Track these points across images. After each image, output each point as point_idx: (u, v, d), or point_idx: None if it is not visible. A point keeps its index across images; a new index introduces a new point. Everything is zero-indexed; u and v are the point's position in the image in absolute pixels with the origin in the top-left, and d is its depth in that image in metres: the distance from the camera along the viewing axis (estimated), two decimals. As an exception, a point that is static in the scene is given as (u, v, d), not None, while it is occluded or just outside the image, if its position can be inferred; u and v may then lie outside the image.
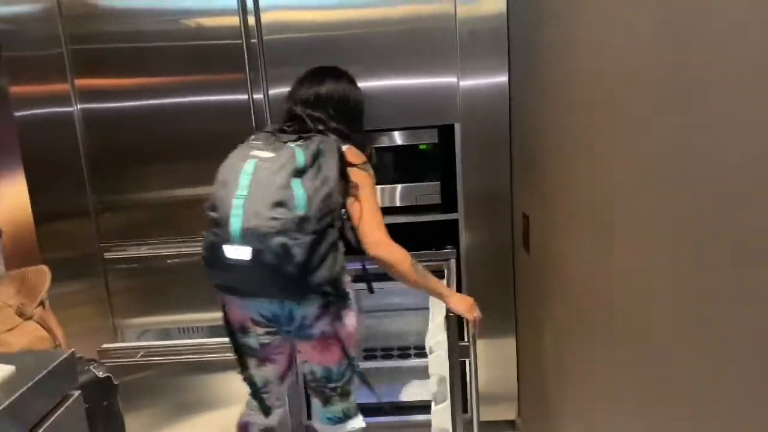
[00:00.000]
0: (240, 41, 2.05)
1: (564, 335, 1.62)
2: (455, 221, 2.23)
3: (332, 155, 1.56)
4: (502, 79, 2.10)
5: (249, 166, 1.48)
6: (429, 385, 1.91)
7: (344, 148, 1.64)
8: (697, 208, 0.86)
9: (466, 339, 1.75)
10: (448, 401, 1.74)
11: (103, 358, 2.07)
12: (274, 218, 1.42)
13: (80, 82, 2.10)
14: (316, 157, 1.52)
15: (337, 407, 1.77)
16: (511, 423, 2.39)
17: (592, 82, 1.28)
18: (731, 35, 0.75)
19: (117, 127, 2.11)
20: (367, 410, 2.40)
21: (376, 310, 2.62)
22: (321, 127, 1.66)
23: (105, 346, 2.15)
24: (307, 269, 1.45)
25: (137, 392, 2.15)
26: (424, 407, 2.37)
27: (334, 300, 1.58)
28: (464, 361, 2.25)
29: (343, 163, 1.59)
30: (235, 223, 1.43)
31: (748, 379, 0.76)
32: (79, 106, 2.11)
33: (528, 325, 2.09)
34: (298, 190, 1.45)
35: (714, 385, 0.85)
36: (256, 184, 1.45)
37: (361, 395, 2.44)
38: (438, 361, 1.73)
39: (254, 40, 2.07)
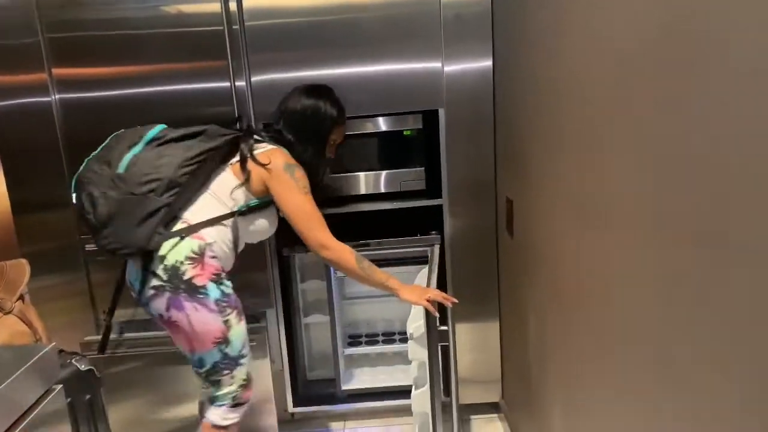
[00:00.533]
0: (222, 27, 2.02)
1: (546, 318, 1.63)
2: (439, 207, 2.24)
3: (205, 141, 1.68)
4: (487, 64, 2.09)
5: None
6: (410, 370, 1.91)
7: (267, 148, 1.74)
8: (676, 192, 0.87)
9: (446, 324, 1.76)
10: (428, 385, 1.76)
11: (86, 350, 2.06)
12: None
13: (58, 71, 2.06)
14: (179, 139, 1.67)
15: (208, 390, 1.74)
16: (495, 405, 2.42)
17: (577, 68, 1.28)
18: (719, 22, 0.75)
19: (96, 117, 2.07)
20: (352, 395, 2.43)
21: (362, 296, 2.62)
22: (263, 132, 1.85)
23: (87, 338, 2.14)
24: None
25: (121, 384, 2.14)
26: (408, 392, 2.40)
27: (168, 286, 1.58)
28: (447, 345, 2.27)
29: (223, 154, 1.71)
30: None
31: (725, 357, 0.78)
32: (57, 96, 2.07)
33: (511, 309, 2.11)
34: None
35: (693, 365, 0.86)
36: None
37: (350, 380, 2.46)
38: (417, 346, 1.74)
39: (236, 27, 2.04)
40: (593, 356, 1.28)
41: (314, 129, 1.82)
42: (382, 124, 2.22)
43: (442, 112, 2.13)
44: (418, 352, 1.75)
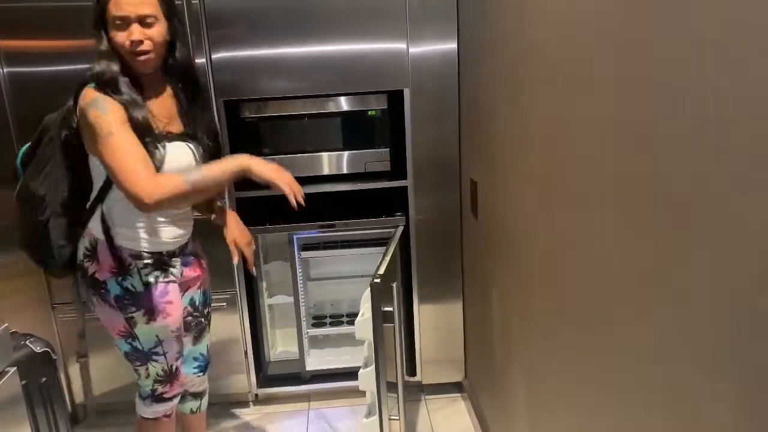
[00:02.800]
0: (180, 1, 1.96)
1: (508, 297, 1.66)
2: (404, 188, 2.24)
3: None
4: (452, 45, 2.09)
5: None
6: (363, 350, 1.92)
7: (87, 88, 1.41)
8: (636, 172, 0.88)
9: (390, 305, 1.74)
10: (372, 367, 1.76)
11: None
12: None
13: (5, 43, 1.97)
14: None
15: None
16: (458, 385, 2.46)
17: (539, 48, 1.29)
18: (680, 8, 0.76)
19: (48, 92, 1.99)
20: (317, 376, 2.43)
21: (327, 277, 2.61)
22: None
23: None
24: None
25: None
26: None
27: (81, 278, 1.55)
28: (411, 325, 2.28)
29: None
30: None
31: (687, 336, 0.80)
32: (5, 69, 1.99)
33: (475, 289, 2.14)
34: None
35: (653, 341, 0.89)
36: None
37: (315, 361, 2.46)
38: (364, 325, 1.74)
39: (195, 1, 1.98)
40: (555, 335, 1.30)
41: (94, 22, 1.43)
42: (347, 104, 2.20)
43: (407, 92, 2.12)
44: (364, 331, 1.75)
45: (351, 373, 2.43)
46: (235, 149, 2.14)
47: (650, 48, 0.82)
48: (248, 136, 2.20)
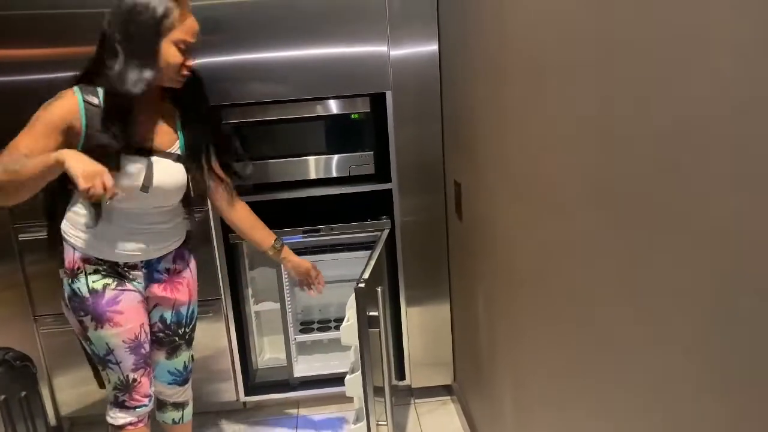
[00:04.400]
0: (158, 7, 1.94)
1: (494, 299, 1.65)
2: (389, 191, 2.23)
3: None
4: (433, 48, 2.09)
5: None
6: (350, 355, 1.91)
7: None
8: (616, 175, 0.88)
9: (375, 309, 1.74)
10: (359, 373, 1.76)
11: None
12: None
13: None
14: None
15: None
16: (447, 388, 2.45)
17: (519, 50, 1.28)
18: (658, 10, 0.76)
19: (28, 101, 1.95)
20: (305, 382, 2.41)
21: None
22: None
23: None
24: None
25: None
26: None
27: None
28: (399, 328, 2.27)
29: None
30: None
31: (668, 333, 0.79)
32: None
33: (461, 292, 2.13)
34: None
35: (635, 339, 0.88)
36: None
37: (303, 367, 2.44)
38: (349, 330, 1.73)
39: (173, 6, 1.96)
40: (540, 335, 1.30)
41: (139, 32, 1.41)
42: (330, 107, 2.19)
43: (389, 95, 2.11)
44: (349, 336, 1.74)
45: (340, 379, 2.40)
46: (217, 155, 2.12)
47: (631, 45, 0.81)
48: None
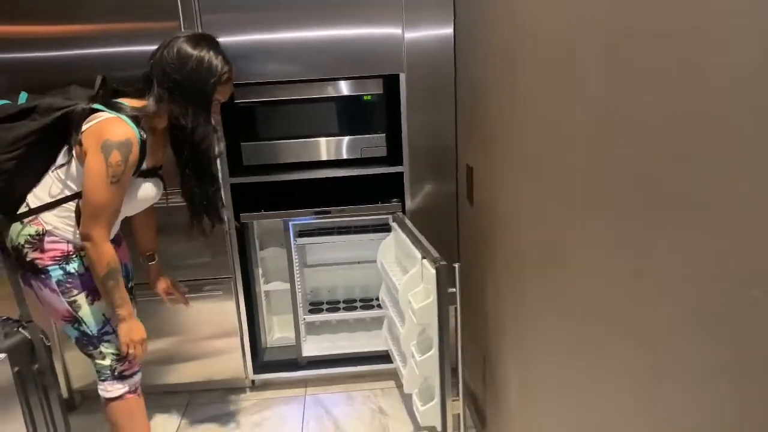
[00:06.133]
0: (173, -10, 1.94)
1: (503, 283, 1.65)
2: (400, 174, 2.22)
3: (35, 120, 1.54)
4: (448, 31, 2.06)
5: None
6: (404, 333, 1.92)
7: (101, 117, 1.50)
8: (623, 162, 0.87)
9: (454, 286, 1.75)
10: (435, 350, 1.78)
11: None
12: None
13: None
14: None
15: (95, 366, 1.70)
16: (453, 370, 2.46)
17: (533, 32, 1.27)
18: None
19: (34, 79, 1.97)
20: (313, 362, 2.44)
21: (324, 264, 2.61)
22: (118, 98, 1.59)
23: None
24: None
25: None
26: (369, 358, 2.42)
27: (17, 263, 1.58)
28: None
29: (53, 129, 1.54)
30: None
31: (670, 319, 0.79)
32: (-2, 54, 1.97)
33: (471, 276, 2.13)
34: None
35: (637, 325, 0.88)
36: None
37: (311, 347, 2.46)
38: (427, 309, 1.75)
39: (188, -13, 1.96)
40: (546, 321, 1.30)
41: (197, 86, 1.56)
42: (342, 88, 2.18)
43: (403, 77, 2.10)
44: (426, 316, 1.75)
45: (348, 359, 2.44)
46: (230, 135, 2.13)
47: (641, 33, 0.80)
48: (243, 122, 2.19)
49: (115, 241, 1.74)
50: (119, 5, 1.95)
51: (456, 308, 1.74)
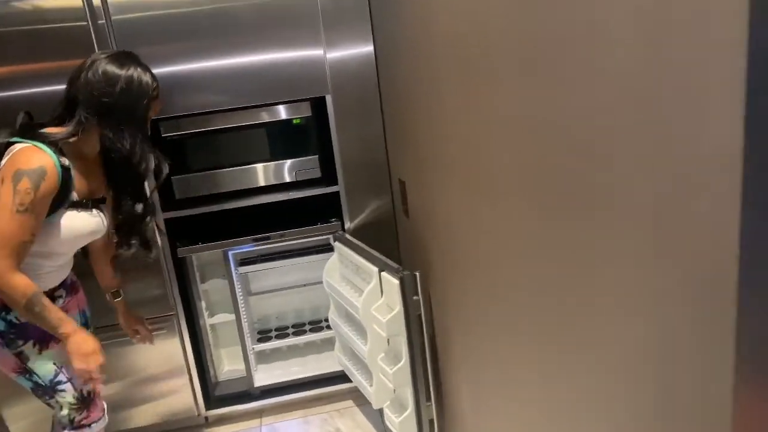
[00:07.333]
0: (86, 23, 1.90)
1: (442, 291, 1.68)
2: (337, 193, 2.24)
3: None
4: (368, 49, 2.11)
5: None
6: (369, 349, 1.92)
7: (17, 148, 1.42)
8: (544, 165, 0.92)
9: (416, 294, 1.78)
10: (406, 359, 1.79)
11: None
12: None
13: None
14: None
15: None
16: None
17: (449, 43, 1.31)
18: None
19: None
20: (266, 391, 2.40)
21: (268, 290, 2.59)
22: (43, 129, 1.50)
23: None
24: None
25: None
26: (322, 380, 2.40)
27: None
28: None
29: None
30: None
31: (600, 316, 0.83)
32: None
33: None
34: None
35: (572, 325, 0.92)
36: None
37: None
38: (394, 320, 1.76)
39: (102, 21, 1.92)
40: (490, 323, 1.33)
41: (130, 106, 1.50)
42: (271, 114, 2.19)
43: (329, 98, 2.12)
44: (394, 327, 1.77)
45: (301, 384, 2.41)
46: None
47: (546, 42, 0.85)
48: (171, 155, 2.15)
49: (71, 287, 1.68)
50: (31, 46, 1.90)
51: (420, 315, 1.77)
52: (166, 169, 1.64)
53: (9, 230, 1.38)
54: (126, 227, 1.65)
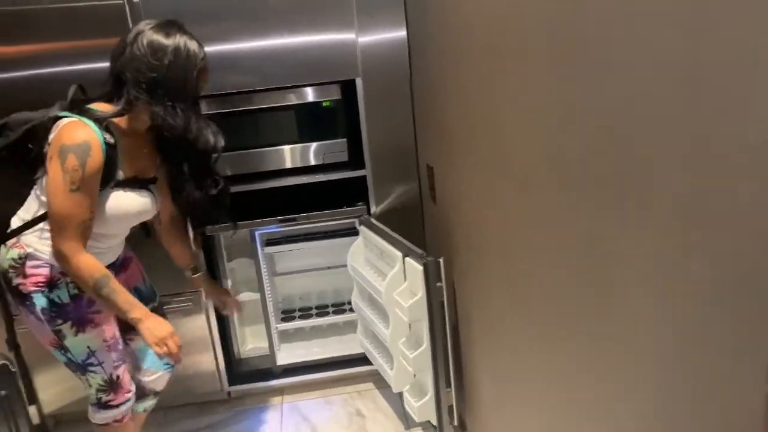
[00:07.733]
0: (121, 1, 1.92)
1: (466, 278, 1.68)
2: (364, 177, 2.24)
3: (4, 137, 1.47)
4: (401, 33, 2.10)
5: None
6: (391, 333, 1.94)
7: (63, 123, 1.40)
8: (572, 151, 0.91)
9: (440, 280, 1.79)
10: (427, 344, 1.81)
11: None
12: None
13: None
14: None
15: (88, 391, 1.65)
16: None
17: (479, 34, 1.30)
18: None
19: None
20: (288, 370, 2.44)
21: (294, 271, 2.61)
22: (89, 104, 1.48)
23: None
24: None
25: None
26: (343, 362, 2.43)
27: (5, 288, 1.52)
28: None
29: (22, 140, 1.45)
30: None
31: (623, 306, 0.83)
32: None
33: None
34: None
35: (594, 315, 0.91)
36: None
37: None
38: (417, 305, 1.78)
39: (137, 0, 1.94)
40: (507, 311, 1.33)
41: (180, 79, 1.43)
42: (301, 96, 2.19)
43: (359, 82, 2.12)
44: (416, 312, 1.79)
45: (323, 365, 2.44)
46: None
47: (581, 24, 0.83)
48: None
49: (122, 266, 1.68)
50: (64, 24, 1.93)
51: (443, 302, 1.77)
52: (221, 143, 1.55)
53: (66, 211, 1.38)
54: (192, 212, 1.63)
